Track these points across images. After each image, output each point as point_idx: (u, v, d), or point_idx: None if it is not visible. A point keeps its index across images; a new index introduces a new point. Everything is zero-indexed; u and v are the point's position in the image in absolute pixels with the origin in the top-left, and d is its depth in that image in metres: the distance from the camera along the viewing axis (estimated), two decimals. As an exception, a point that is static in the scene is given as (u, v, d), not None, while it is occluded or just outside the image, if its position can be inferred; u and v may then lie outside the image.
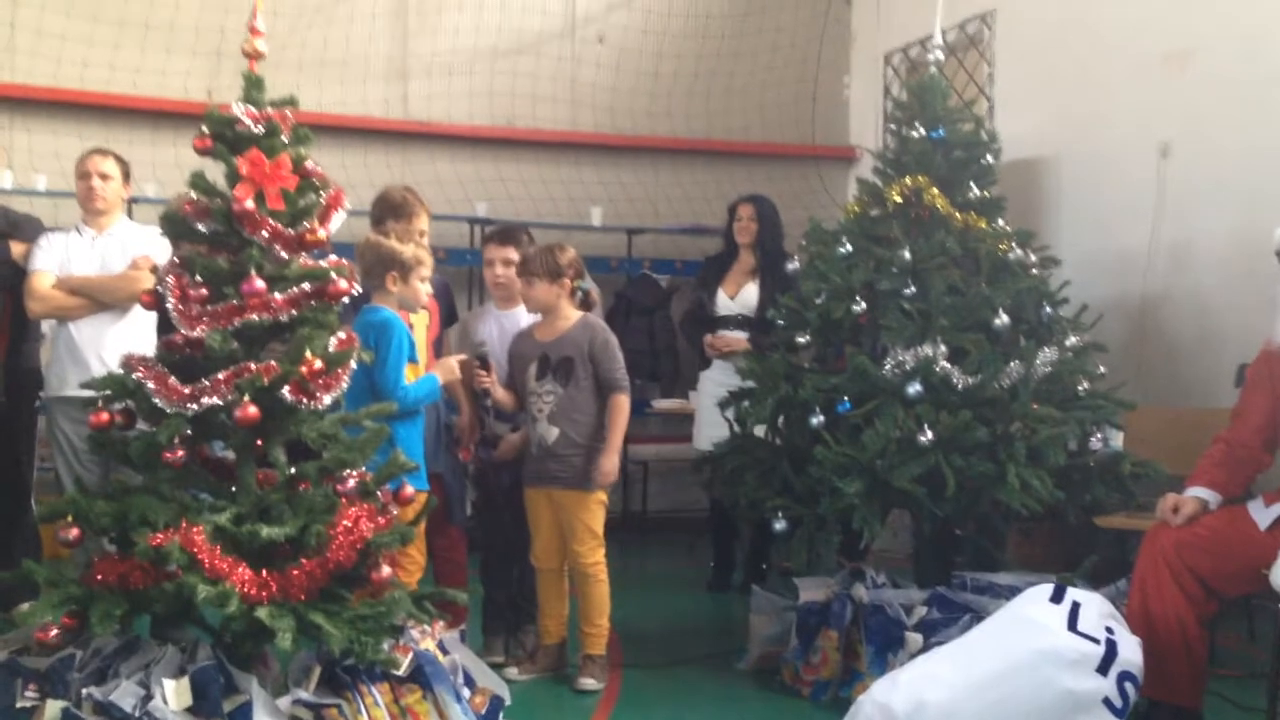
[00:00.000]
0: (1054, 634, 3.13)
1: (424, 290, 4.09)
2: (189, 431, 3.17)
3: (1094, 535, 4.84)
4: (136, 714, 2.85)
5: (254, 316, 3.14)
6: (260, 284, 3.16)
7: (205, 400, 3.06)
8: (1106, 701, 3.08)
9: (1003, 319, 4.27)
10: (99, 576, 3.04)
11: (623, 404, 4.30)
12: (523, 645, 4.55)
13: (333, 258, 3.38)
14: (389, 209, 4.41)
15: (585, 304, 4.40)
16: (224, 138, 3.27)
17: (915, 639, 3.89)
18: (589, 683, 4.22)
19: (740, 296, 5.79)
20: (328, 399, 3.15)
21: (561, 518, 4.28)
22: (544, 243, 4.57)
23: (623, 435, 4.31)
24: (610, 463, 4.25)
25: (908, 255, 4.35)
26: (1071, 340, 4.40)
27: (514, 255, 4.54)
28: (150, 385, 3.10)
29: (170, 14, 7.01)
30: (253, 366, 3.09)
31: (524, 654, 4.47)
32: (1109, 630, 3.17)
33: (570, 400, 4.25)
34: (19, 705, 2.98)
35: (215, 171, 3.27)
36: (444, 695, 3.18)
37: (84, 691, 2.93)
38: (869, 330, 4.40)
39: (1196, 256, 5.54)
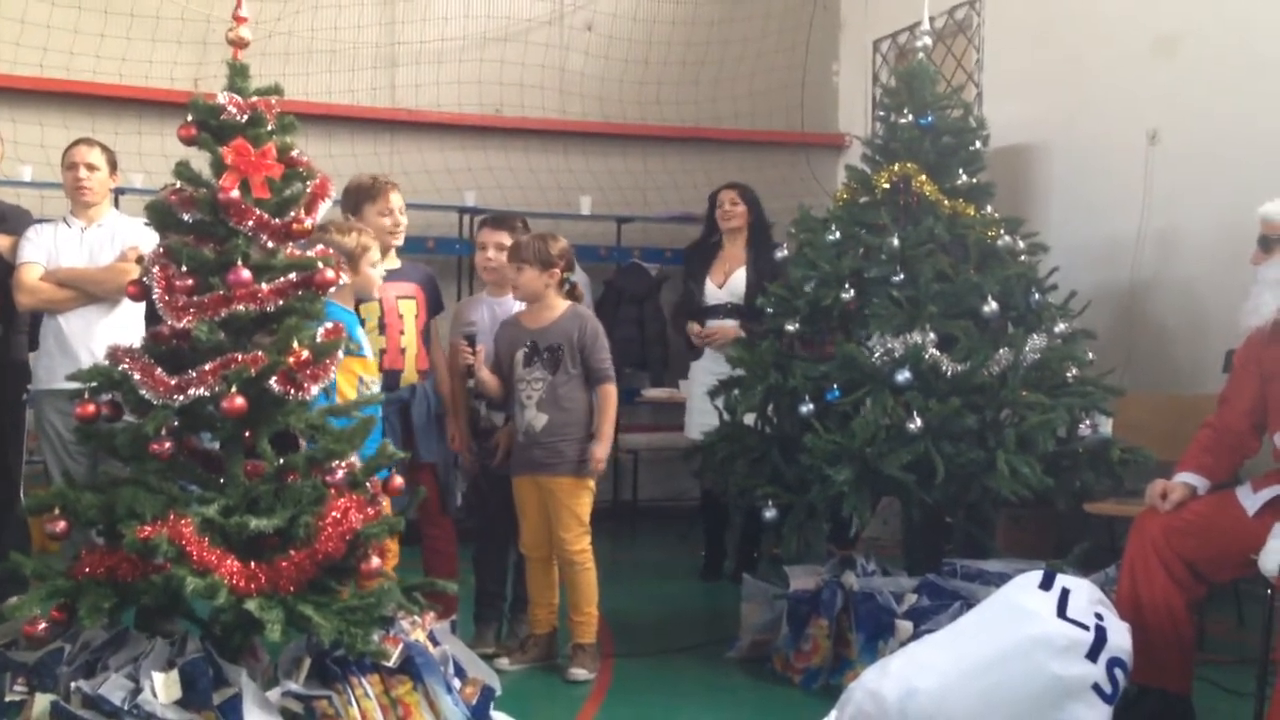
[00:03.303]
0: (1044, 620, 3.13)
1: (377, 274, 4.06)
2: (176, 423, 3.15)
3: (1083, 522, 4.85)
4: (125, 707, 2.84)
5: (240, 307, 3.13)
6: (246, 274, 3.14)
7: (192, 391, 3.05)
8: (1096, 687, 3.08)
9: (991, 306, 4.27)
10: (87, 569, 3.03)
11: (612, 393, 4.33)
12: (515, 634, 4.55)
13: (319, 247, 3.37)
14: (364, 194, 4.40)
15: (571, 296, 4.41)
16: (209, 127, 3.25)
17: (905, 626, 3.90)
18: (580, 673, 4.22)
19: (729, 284, 5.78)
20: (315, 389, 3.14)
21: (549, 504, 4.28)
22: (535, 231, 4.57)
23: (613, 424, 4.34)
24: (602, 451, 4.28)
25: (896, 242, 4.34)
26: (1060, 327, 4.41)
27: (507, 240, 4.53)
28: (137, 376, 3.08)
29: (156, 3, 6.97)
30: (240, 357, 3.07)
31: (515, 644, 4.47)
32: (1098, 616, 3.17)
33: (558, 387, 4.25)
34: (7, 699, 2.97)
35: (201, 161, 3.26)
36: (434, 686, 3.17)
37: (73, 685, 2.93)
38: (858, 318, 4.39)
39: (1185, 243, 5.54)
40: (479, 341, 4.36)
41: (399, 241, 4.45)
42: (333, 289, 3.31)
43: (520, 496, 4.35)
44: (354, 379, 3.83)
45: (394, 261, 4.36)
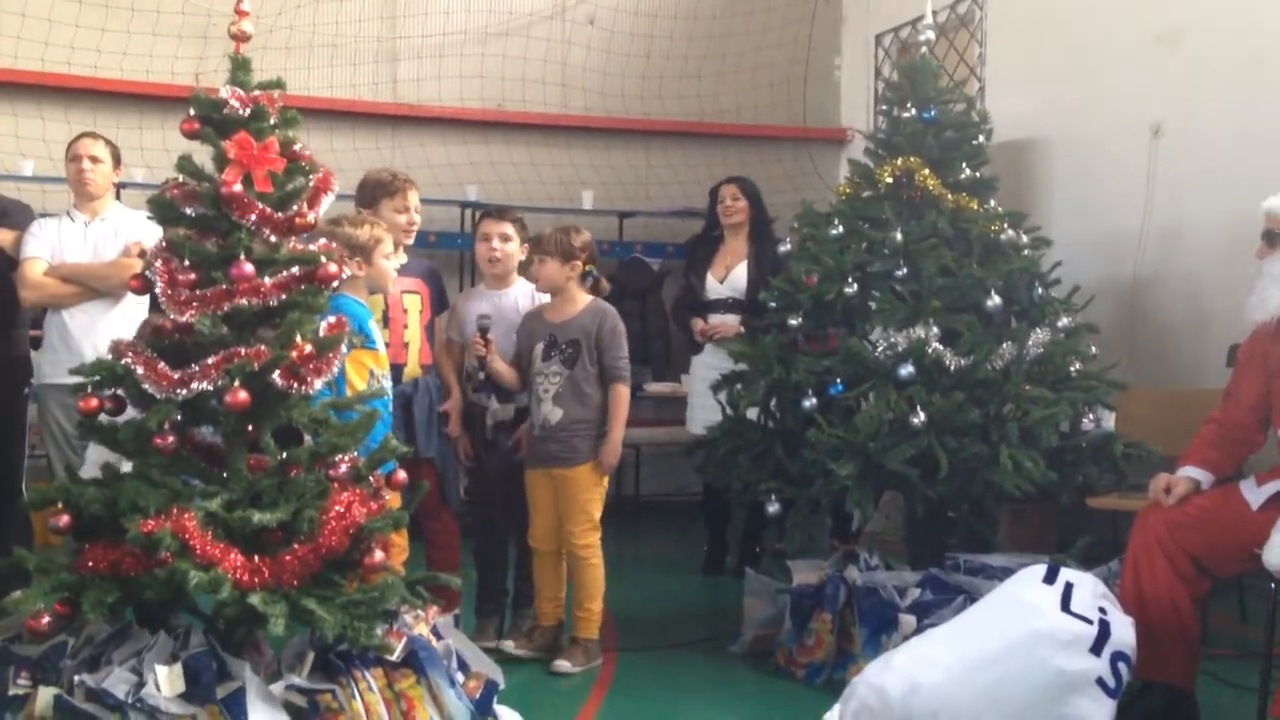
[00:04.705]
0: (1047, 615, 3.13)
1: (390, 267, 4.05)
2: (179, 417, 3.15)
3: (1086, 516, 4.85)
4: (129, 701, 2.84)
5: (243, 301, 3.12)
6: (249, 268, 3.13)
7: (195, 385, 3.04)
8: (1100, 681, 3.08)
9: (994, 300, 4.27)
10: (90, 563, 3.03)
11: (623, 394, 4.31)
12: (518, 628, 4.54)
13: (322, 241, 3.36)
14: (382, 189, 4.40)
15: (595, 289, 4.40)
16: (211, 121, 3.24)
17: (909, 621, 3.89)
18: (563, 665, 4.20)
19: (729, 279, 5.77)
20: (318, 384, 3.13)
21: (560, 497, 4.28)
22: (536, 227, 4.57)
23: (624, 425, 4.32)
24: (610, 456, 4.29)
25: (899, 236, 4.34)
26: (1063, 321, 4.40)
27: (510, 231, 4.52)
28: (140, 371, 3.07)
29: (157, -3, 6.98)
30: (243, 351, 3.07)
31: (520, 633, 4.47)
32: (1102, 610, 3.17)
33: (575, 383, 4.26)
34: (11, 693, 2.96)
35: (203, 155, 3.25)
36: (438, 680, 3.17)
37: (76, 679, 2.92)
38: (861, 312, 4.39)
39: (1188, 237, 5.54)
40: (492, 332, 4.35)
41: (410, 240, 4.46)
42: (337, 282, 3.30)
43: (533, 489, 4.36)
44: (365, 371, 3.83)
45: (401, 257, 4.35)
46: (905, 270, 4.31)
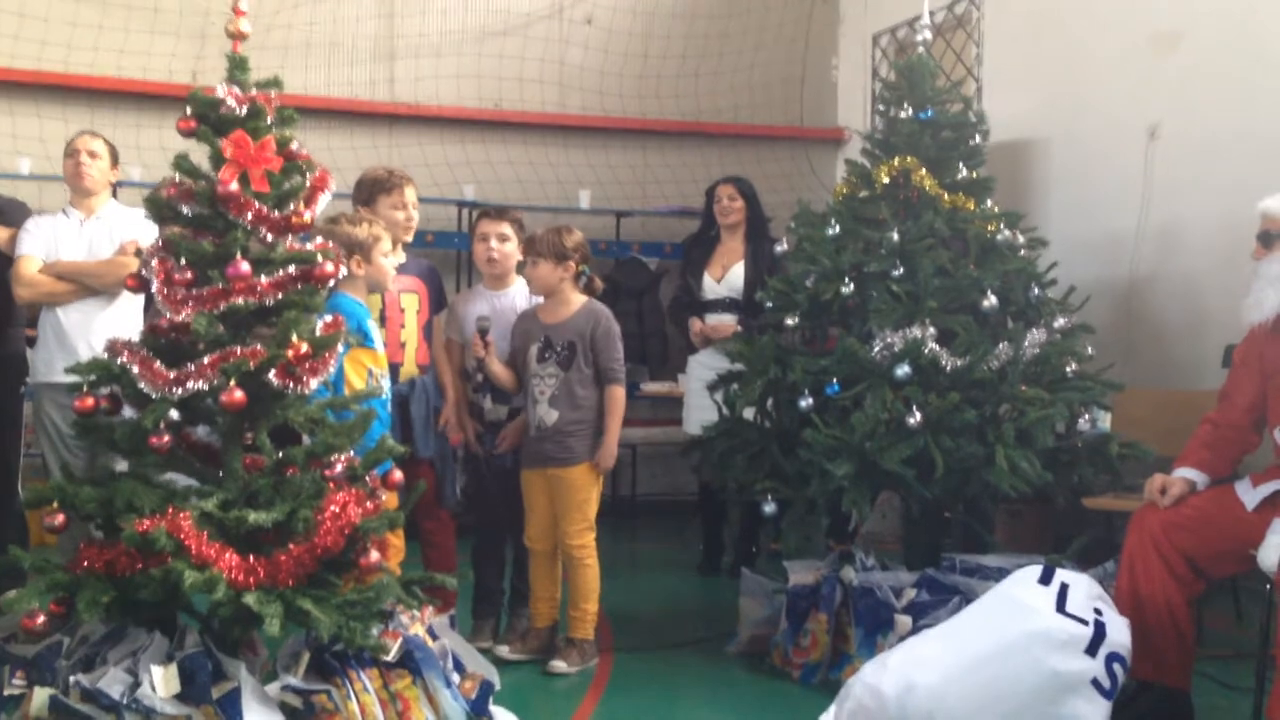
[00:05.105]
0: (1043, 615, 3.13)
1: (389, 265, 4.05)
2: (175, 416, 3.15)
3: (1082, 516, 4.86)
4: (124, 701, 2.84)
5: (239, 300, 3.12)
6: (245, 267, 3.14)
7: (191, 385, 3.04)
8: (1095, 682, 3.08)
9: (991, 300, 4.27)
10: (85, 563, 3.03)
11: (619, 395, 4.32)
12: (514, 628, 4.54)
13: (318, 240, 3.36)
14: (379, 187, 4.40)
15: (589, 288, 4.40)
16: (208, 120, 3.24)
17: (904, 621, 3.90)
18: (559, 665, 4.21)
19: (727, 279, 5.77)
20: (314, 383, 3.13)
21: (556, 497, 4.28)
22: (533, 226, 4.56)
23: (620, 427, 4.33)
24: (607, 459, 4.29)
25: (896, 237, 4.34)
26: (1060, 322, 4.40)
27: (508, 231, 4.52)
28: (135, 370, 3.08)
29: (154, -5, 6.97)
30: (238, 350, 3.07)
31: (514, 636, 4.47)
32: (1097, 611, 3.18)
33: (571, 384, 4.25)
34: (6, 693, 2.96)
35: (200, 154, 3.25)
36: (433, 680, 3.17)
37: (71, 679, 2.92)
38: (857, 312, 4.39)
39: (1184, 238, 5.54)
40: (491, 334, 4.35)
41: (409, 237, 4.46)
42: (334, 281, 3.30)
43: (528, 489, 4.36)
44: (364, 371, 3.82)
45: (400, 255, 4.35)
46: (902, 270, 4.31)
